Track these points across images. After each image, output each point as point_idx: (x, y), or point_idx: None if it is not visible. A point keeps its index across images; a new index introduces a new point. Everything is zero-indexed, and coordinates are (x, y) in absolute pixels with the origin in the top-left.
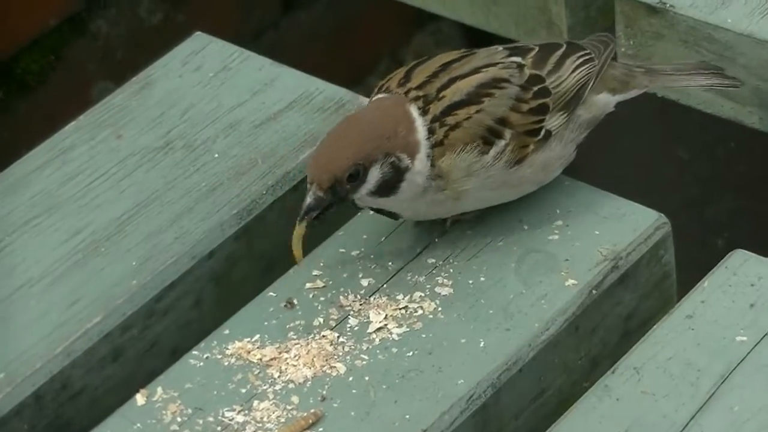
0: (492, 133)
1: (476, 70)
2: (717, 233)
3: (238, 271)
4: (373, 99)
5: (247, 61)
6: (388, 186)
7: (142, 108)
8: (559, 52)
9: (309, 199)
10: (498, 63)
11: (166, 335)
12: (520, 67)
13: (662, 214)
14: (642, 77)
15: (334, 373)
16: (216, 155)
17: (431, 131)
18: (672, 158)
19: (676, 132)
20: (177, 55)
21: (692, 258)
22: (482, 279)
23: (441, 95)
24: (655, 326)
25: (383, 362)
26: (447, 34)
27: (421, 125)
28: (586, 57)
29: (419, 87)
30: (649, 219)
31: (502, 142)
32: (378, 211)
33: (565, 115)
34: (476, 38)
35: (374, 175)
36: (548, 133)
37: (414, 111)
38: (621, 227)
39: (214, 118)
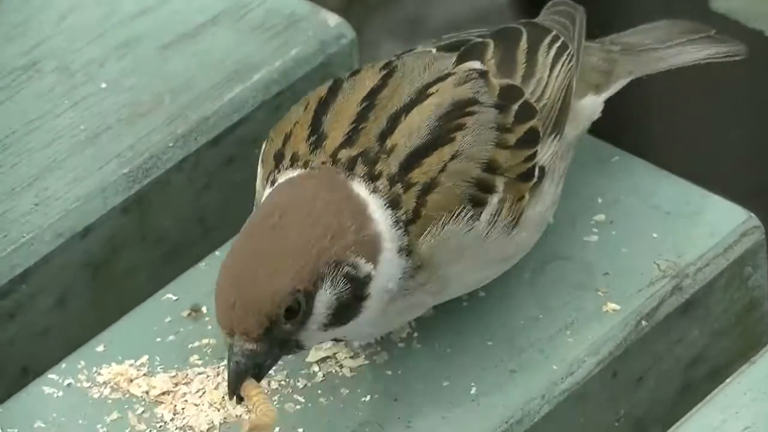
0: (481, 188)
1: (424, 94)
2: None
3: (125, 259)
4: (280, 183)
5: None
6: (348, 309)
7: None
8: (523, 43)
9: (237, 359)
10: (449, 75)
11: (12, 348)
12: (483, 75)
13: (753, 214)
14: (624, 61)
15: None
16: (103, 85)
17: (394, 204)
18: None
19: None
20: None
21: None
22: (481, 294)
23: (388, 145)
24: (728, 380)
25: (327, 409)
26: None
27: (376, 204)
28: (559, 44)
29: (347, 143)
30: (734, 219)
31: (495, 198)
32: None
33: (556, 138)
34: None
35: (324, 300)
36: (542, 172)
37: (357, 186)
38: (690, 229)
39: (102, 31)
